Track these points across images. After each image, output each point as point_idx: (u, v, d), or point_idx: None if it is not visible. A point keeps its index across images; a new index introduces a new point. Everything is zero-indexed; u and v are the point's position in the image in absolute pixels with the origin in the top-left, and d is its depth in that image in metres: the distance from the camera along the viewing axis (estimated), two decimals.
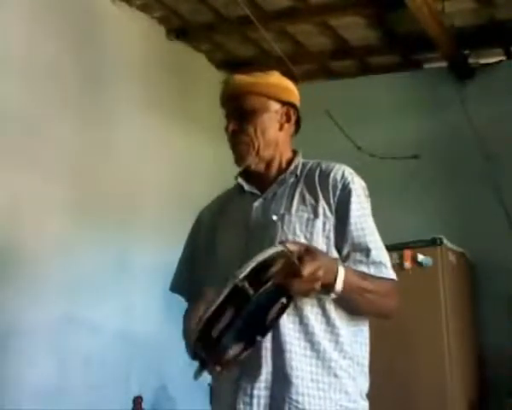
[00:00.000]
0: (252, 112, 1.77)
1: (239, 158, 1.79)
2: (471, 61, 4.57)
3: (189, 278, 1.88)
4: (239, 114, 1.78)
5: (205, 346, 1.49)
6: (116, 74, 3.84)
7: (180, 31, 4.38)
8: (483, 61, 4.63)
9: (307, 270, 1.47)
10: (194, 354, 1.54)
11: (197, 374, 1.56)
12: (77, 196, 3.43)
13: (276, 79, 1.83)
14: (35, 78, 3.26)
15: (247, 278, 1.43)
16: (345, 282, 1.57)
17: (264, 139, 1.78)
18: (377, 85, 4.87)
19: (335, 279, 1.56)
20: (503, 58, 4.65)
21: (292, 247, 1.50)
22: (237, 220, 1.79)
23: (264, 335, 1.56)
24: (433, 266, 3.67)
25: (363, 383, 1.73)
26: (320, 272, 1.50)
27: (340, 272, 1.57)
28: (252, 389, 1.63)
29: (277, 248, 1.48)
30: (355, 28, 4.39)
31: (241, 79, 1.81)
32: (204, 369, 1.54)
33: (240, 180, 1.85)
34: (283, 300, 1.53)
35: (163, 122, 4.14)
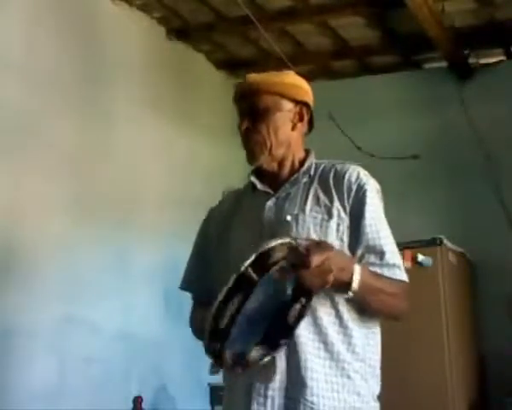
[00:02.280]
0: (265, 111, 1.76)
1: (251, 157, 1.79)
2: (471, 61, 4.58)
3: (200, 277, 1.86)
4: (252, 112, 1.77)
5: (217, 338, 1.47)
6: (116, 74, 3.84)
7: (180, 31, 4.38)
8: (483, 61, 4.64)
9: (315, 260, 1.45)
10: (208, 350, 1.51)
11: (212, 370, 1.55)
12: (77, 195, 3.43)
13: (290, 78, 1.83)
14: (35, 78, 3.26)
15: (251, 266, 1.42)
16: (361, 281, 1.57)
17: (277, 138, 1.77)
18: (377, 85, 4.87)
19: (352, 278, 1.55)
20: (503, 58, 4.65)
21: (301, 241, 1.51)
22: (250, 219, 1.78)
23: (287, 337, 1.56)
24: (433, 266, 3.67)
25: (375, 385, 1.73)
26: (329, 264, 1.47)
27: (356, 271, 1.56)
28: (266, 389, 1.63)
29: (283, 239, 1.48)
30: (355, 28, 4.39)
31: (255, 77, 1.81)
32: (219, 366, 1.53)
33: (252, 178, 1.83)
34: (302, 300, 1.53)
35: (163, 122, 4.14)
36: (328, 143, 4.55)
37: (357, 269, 1.57)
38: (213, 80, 4.83)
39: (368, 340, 1.71)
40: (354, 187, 1.72)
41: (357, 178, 1.73)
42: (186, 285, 1.90)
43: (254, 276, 1.42)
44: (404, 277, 1.72)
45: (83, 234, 3.41)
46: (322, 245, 1.52)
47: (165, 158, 4.16)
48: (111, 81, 3.79)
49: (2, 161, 3.03)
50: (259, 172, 1.83)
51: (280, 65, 4.31)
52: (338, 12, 4.15)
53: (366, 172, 1.77)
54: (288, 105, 1.79)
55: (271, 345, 1.56)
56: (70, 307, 3.27)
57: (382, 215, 1.74)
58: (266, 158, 1.77)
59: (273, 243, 1.45)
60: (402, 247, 3.54)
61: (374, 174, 1.79)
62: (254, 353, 1.55)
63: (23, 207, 3.12)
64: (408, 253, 3.64)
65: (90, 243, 3.46)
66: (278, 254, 1.45)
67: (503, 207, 4.37)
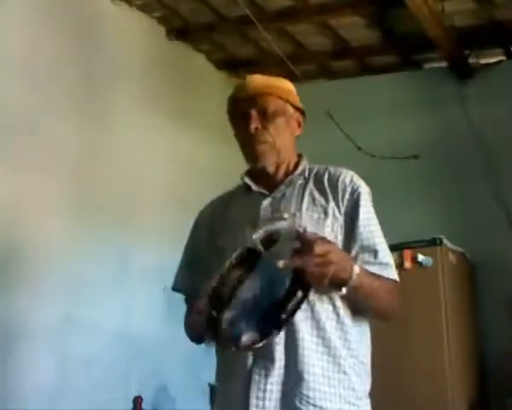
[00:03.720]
0: (274, 113, 1.81)
1: (258, 157, 1.81)
2: (471, 61, 4.58)
3: (191, 278, 1.88)
4: (261, 113, 1.81)
5: (216, 305, 1.49)
6: (116, 74, 3.84)
7: (180, 31, 4.38)
8: (483, 61, 4.64)
9: (318, 248, 1.49)
10: (208, 326, 1.53)
11: (208, 344, 1.58)
12: (77, 195, 3.43)
13: (288, 84, 1.90)
14: (35, 77, 3.26)
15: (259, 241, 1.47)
16: (359, 278, 1.60)
17: (283, 141, 1.83)
18: (377, 85, 4.87)
19: (350, 276, 1.58)
20: (503, 58, 4.65)
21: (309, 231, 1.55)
22: (244, 219, 1.79)
23: (280, 329, 1.58)
24: (433, 266, 3.67)
25: (367, 382, 1.76)
26: (331, 257, 1.51)
27: (355, 269, 1.60)
28: (265, 383, 1.64)
29: (291, 223, 1.52)
30: (355, 28, 4.39)
31: (262, 79, 1.86)
32: (212, 336, 1.55)
33: (246, 180, 1.87)
34: (300, 294, 1.56)
35: (163, 122, 4.14)
36: (328, 143, 4.59)
37: (356, 268, 1.60)
38: (213, 80, 4.83)
39: (360, 337, 1.75)
40: (348, 189, 1.77)
41: (351, 181, 1.79)
42: (178, 286, 1.93)
43: (260, 247, 1.46)
44: (395, 276, 1.76)
45: (83, 234, 3.41)
46: (325, 238, 1.58)
47: (165, 158, 4.15)
48: (111, 81, 3.79)
49: (2, 160, 3.03)
50: (253, 174, 1.87)
51: (280, 65, 4.32)
52: (338, 12, 4.15)
53: (358, 177, 1.83)
54: (290, 110, 1.86)
55: (263, 333, 1.57)
56: (70, 307, 3.27)
57: (375, 216, 1.80)
58: (273, 158, 1.82)
59: (281, 224, 1.50)
60: (402, 247, 3.60)
61: (374, 174, 1.80)
62: (246, 337, 1.56)
63: (23, 206, 3.12)
64: (408, 253, 3.64)
65: (90, 243, 3.46)
66: (285, 235, 1.48)
67: (503, 207, 4.37)
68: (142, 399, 3.43)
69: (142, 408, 3.43)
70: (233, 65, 4.87)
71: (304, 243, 1.50)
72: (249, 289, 1.50)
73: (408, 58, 4.78)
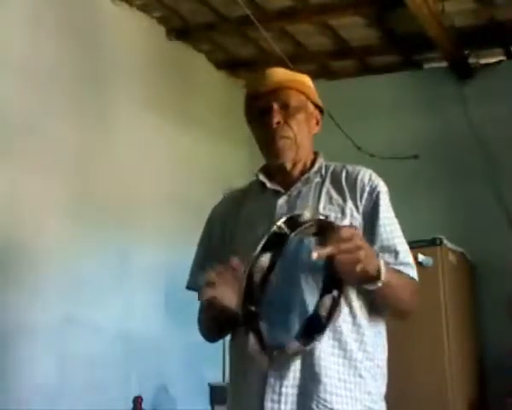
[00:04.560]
0: (296, 108, 1.77)
1: (279, 152, 1.75)
2: (471, 61, 4.58)
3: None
4: (283, 107, 1.76)
5: (251, 299, 1.41)
6: (116, 74, 3.84)
7: (180, 31, 4.38)
8: (483, 61, 4.64)
9: (344, 233, 1.43)
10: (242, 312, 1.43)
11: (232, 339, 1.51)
12: (77, 195, 3.43)
13: (309, 80, 1.84)
14: (35, 77, 3.26)
15: (284, 223, 1.41)
16: (387, 273, 1.55)
17: (303, 138, 1.78)
18: (377, 85, 4.87)
19: (378, 268, 1.52)
20: (503, 58, 4.65)
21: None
22: (260, 217, 1.75)
23: (322, 333, 1.55)
24: (433, 266, 3.67)
25: (383, 385, 1.73)
26: (358, 240, 1.45)
27: (381, 262, 1.54)
28: (280, 386, 1.61)
29: (315, 213, 1.48)
30: (355, 28, 4.39)
31: (284, 72, 1.81)
32: (260, 346, 1.46)
33: (261, 177, 1.81)
34: (334, 292, 1.53)
35: (163, 122, 4.14)
36: (328, 143, 4.56)
37: (381, 261, 1.55)
38: (213, 80, 4.83)
39: (376, 339, 1.71)
40: (367, 188, 1.73)
41: (370, 179, 1.75)
42: (192, 285, 1.86)
43: (287, 230, 1.40)
44: (416, 275, 1.73)
45: (83, 234, 3.41)
46: (349, 225, 1.57)
47: (165, 158, 4.16)
48: (111, 81, 3.79)
49: (2, 161, 3.03)
50: (267, 171, 1.82)
51: (280, 65, 4.31)
52: (338, 12, 4.15)
53: (377, 175, 1.78)
54: (311, 107, 1.82)
55: (305, 339, 1.55)
56: (70, 307, 3.27)
57: (394, 216, 1.77)
58: (293, 154, 1.76)
59: (305, 211, 1.44)
60: None
61: None
62: (292, 345, 1.53)
63: (23, 206, 3.12)
64: None
65: (90, 243, 3.46)
66: (307, 215, 1.43)
67: (503, 207, 4.37)
68: (142, 399, 3.43)
69: (142, 408, 3.43)
70: (233, 65, 4.88)
71: (330, 229, 1.45)
72: (279, 281, 1.44)
73: (408, 58, 4.78)
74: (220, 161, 4.51)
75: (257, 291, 1.40)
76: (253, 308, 1.41)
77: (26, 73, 3.21)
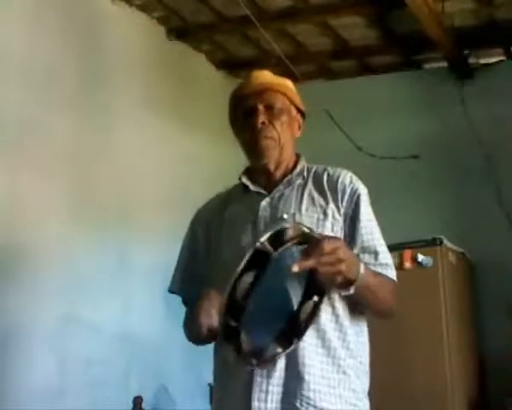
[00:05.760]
0: (280, 110, 1.81)
1: (263, 152, 1.79)
2: (471, 61, 4.57)
3: (189, 279, 1.87)
4: (268, 109, 1.80)
5: (233, 313, 1.46)
6: (116, 74, 3.84)
7: (180, 31, 4.38)
8: (483, 61, 4.63)
9: (327, 245, 1.46)
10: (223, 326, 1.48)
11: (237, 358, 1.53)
12: (77, 195, 3.43)
13: (292, 85, 1.88)
14: (35, 77, 3.26)
15: (267, 240, 1.44)
16: (366, 277, 1.58)
17: (286, 139, 1.82)
18: (377, 85, 4.87)
19: (357, 274, 1.56)
20: (503, 58, 4.65)
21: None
22: (243, 219, 1.78)
23: (299, 337, 1.58)
24: (433, 266, 3.67)
25: (366, 383, 1.76)
26: (340, 253, 1.48)
27: (361, 267, 1.58)
28: (267, 385, 1.63)
29: (297, 225, 1.51)
30: (355, 28, 4.39)
31: (270, 75, 1.85)
32: (234, 347, 1.51)
33: (244, 179, 1.86)
34: (315, 298, 1.56)
35: (163, 122, 4.14)
36: (328, 143, 4.59)
37: (362, 267, 1.59)
38: (213, 80, 4.83)
39: (358, 337, 1.74)
40: (348, 190, 1.77)
41: (351, 182, 1.79)
42: (175, 288, 1.91)
43: (270, 248, 1.43)
44: (394, 276, 1.77)
45: (83, 234, 3.41)
46: (332, 236, 1.59)
47: (165, 157, 4.15)
48: (111, 81, 3.79)
49: (2, 161, 3.03)
50: (250, 174, 1.86)
51: (280, 65, 4.32)
52: (338, 12, 4.15)
53: (357, 177, 1.82)
54: (293, 111, 1.87)
55: (283, 343, 1.57)
56: (70, 307, 3.27)
57: (374, 217, 1.79)
58: (276, 155, 1.80)
59: (288, 225, 1.48)
60: (402, 247, 3.60)
61: (374, 174, 1.81)
62: (271, 349, 1.56)
63: (23, 206, 3.12)
64: (408, 253, 3.64)
65: (90, 243, 3.46)
66: (289, 233, 1.46)
67: (503, 207, 4.37)
68: (142, 399, 3.43)
69: (142, 408, 3.43)
70: (233, 65, 4.87)
71: (312, 242, 1.48)
72: (261, 295, 1.47)
73: (408, 58, 4.78)
74: (220, 161, 4.51)
75: (239, 307, 1.45)
76: (233, 324, 1.46)
77: (25, 72, 3.21)
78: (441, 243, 3.73)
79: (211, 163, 4.48)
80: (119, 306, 3.60)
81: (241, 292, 1.44)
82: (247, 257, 1.43)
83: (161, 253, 3.85)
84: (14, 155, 3.09)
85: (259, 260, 1.44)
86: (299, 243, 1.49)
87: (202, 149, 4.46)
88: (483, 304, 4.36)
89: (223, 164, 4.51)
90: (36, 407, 2.95)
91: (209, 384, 3.75)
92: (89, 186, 3.53)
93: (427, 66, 4.88)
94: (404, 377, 3.53)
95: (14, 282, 3.04)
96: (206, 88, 4.70)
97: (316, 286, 1.55)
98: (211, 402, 3.73)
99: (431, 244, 3.72)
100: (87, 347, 3.32)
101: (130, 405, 3.41)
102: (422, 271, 3.64)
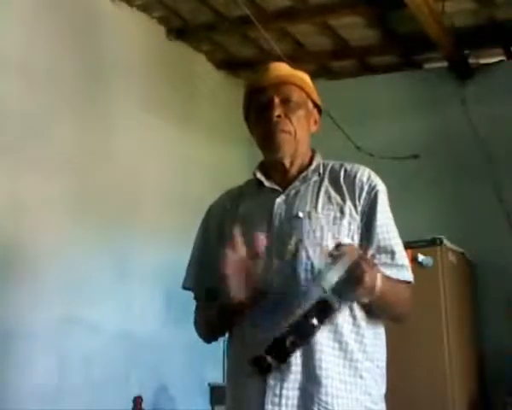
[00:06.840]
0: (297, 104, 1.76)
1: (278, 146, 1.73)
2: (471, 61, 4.57)
3: (202, 275, 1.82)
4: (284, 102, 1.75)
5: (275, 355, 1.53)
6: (116, 74, 3.84)
7: (180, 31, 4.38)
8: (483, 61, 4.63)
9: (368, 279, 1.50)
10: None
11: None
12: (77, 195, 3.43)
13: (309, 79, 1.83)
14: (35, 78, 3.26)
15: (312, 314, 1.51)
16: (382, 288, 1.56)
17: (302, 134, 1.77)
18: (377, 85, 4.87)
19: (374, 284, 1.55)
20: (503, 58, 4.65)
21: (352, 253, 1.52)
22: (257, 216, 1.73)
23: (289, 355, 1.57)
24: (433, 266, 3.67)
25: (383, 386, 1.72)
26: (369, 280, 1.51)
27: (378, 279, 1.56)
28: (281, 388, 1.59)
29: (349, 259, 1.50)
30: (355, 28, 4.38)
31: (287, 68, 1.80)
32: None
33: (259, 175, 1.80)
34: (314, 321, 1.55)
35: (163, 122, 4.14)
36: (328, 143, 4.56)
37: (379, 280, 1.56)
38: (213, 80, 4.83)
39: (376, 340, 1.71)
40: (366, 187, 1.72)
41: (369, 178, 1.74)
42: (188, 284, 1.86)
43: (336, 305, 1.52)
44: (411, 278, 1.73)
45: (83, 234, 3.41)
46: (367, 259, 1.57)
47: (165, 158, 4.16)
48: (111, 81, 3.79)
49: (2, 161, 3.03)
50: (265, 169, 1.81)
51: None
52: (338, 12, 4.15)
53: (375, 174, 1.77)
54: (310, 105, 1.81)
55: (279, 356, 1.57)
56: (70, 307, 3.27)
57: (391, 216, 1.76)
58: (292, 149, 1.75)
59: (346, 265, 1.49)
60: None
61: None
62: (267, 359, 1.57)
63: (23, 206, 3.12)
64: (408, 253, 3.62)
65: (90, 243, 3.46)
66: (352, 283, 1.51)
67: (503, 207, 4.37)
68: (142, 399, 3.43)
69: (142, 408, 3.43)
70: (233, 65, 4.87)
71: (357, 275, 1.50)
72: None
73: (408, 58, 4.78)
74: (220, 161, 4.51)
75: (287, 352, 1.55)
76: (271, 362, 1.54)
77: (25, 72, 3.21)
78: (441, 243, 3.73)
79: (211, 163, 4.48)
80: (119, 306, 3.60)
81: (290, 340, 1.51)
82: (308, 306, 1.50)
83: (161, 253, 3.86)
84: (14, 157, 3.09)
85: (322, 306, 1.51)
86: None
87: (202, 148, 4.46)
88: (483, 304, 4.36)
89: (223, 164, 4.52)
90: (36, 407, 2.95)
91: (209, 384, 3.75)
92: (89, 186, 3.53)
93: (427, 66, 4.88)
94: (404, 377, 3.53)
95: (15, 282, 3.04)
96: (206, 88, 4.70)
97: (322, 308, 1.54)
98: (211, 402, 3.74)
99: (431, 244, 3.72)
100: (87, 347, 3.32)
101: (131, 405, 3.41)
102: (422, 271, 3.64)
